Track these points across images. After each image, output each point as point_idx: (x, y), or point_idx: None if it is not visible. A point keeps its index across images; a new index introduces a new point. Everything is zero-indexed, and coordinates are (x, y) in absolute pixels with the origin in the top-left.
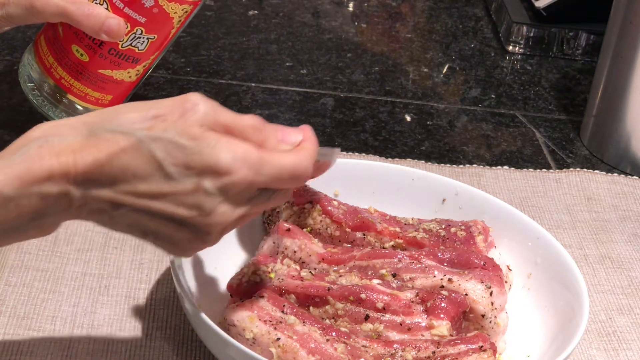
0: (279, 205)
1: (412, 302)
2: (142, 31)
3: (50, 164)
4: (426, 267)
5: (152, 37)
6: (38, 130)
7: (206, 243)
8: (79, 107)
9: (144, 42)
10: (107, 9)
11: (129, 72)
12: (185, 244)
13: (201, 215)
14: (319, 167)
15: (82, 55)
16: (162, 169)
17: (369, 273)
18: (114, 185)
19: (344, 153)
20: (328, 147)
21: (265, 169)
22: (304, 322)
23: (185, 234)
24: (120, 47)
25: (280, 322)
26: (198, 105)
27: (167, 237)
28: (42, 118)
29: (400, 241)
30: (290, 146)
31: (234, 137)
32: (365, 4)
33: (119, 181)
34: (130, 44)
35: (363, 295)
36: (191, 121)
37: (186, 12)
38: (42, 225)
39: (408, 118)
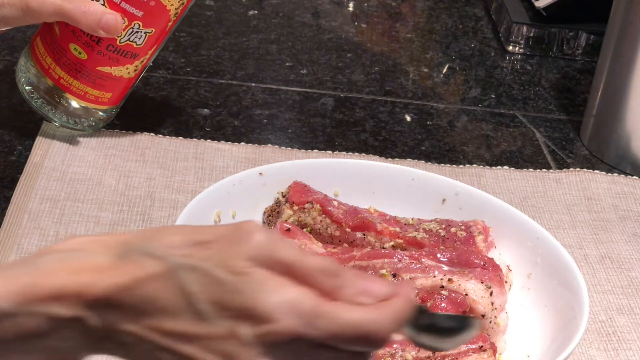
0: None
1: None
2: (139, 25)
3: (62, 282)
4: (426, 267)
5: (150, 31)
6: (65, 243)
7: None
8: (78, 106)
9: (141, 36)
10: (103, 4)
11: (127, 68)
12: None
13: None
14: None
15: (80, 53)
16: (193, 305)
17: (369, 273)
18: (137, 318)
19: (344, 153)
20: (462, 316)
21: (321, 322)
22: None
23: None
24: (118, 42)
25: None
26: (252, 235)
27: None
28: (42, 119)
29: (400, 241)
30: (373, 300)
31: (291, 280)
32: (365, 4)
33: (143, 313)
34: (128, 39)
35: None
36: (238, 252)
37: (182, 4)
38: (57, 352)
39: (408, 118)
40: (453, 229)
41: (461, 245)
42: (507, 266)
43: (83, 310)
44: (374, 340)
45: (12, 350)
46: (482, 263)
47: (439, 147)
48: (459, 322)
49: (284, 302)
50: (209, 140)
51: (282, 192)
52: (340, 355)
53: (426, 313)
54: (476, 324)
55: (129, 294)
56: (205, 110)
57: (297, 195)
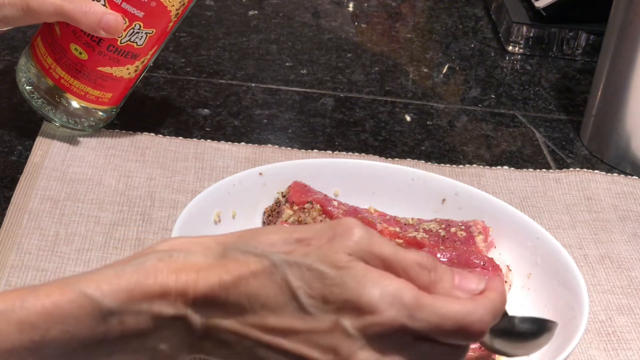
0: None
1: None
2: (140, 26)
3: (166, 280)
4: None
5: (151, 32)
6: (165, 244)
7: None
8: (78, 106)
9: (142, 37)
10: (104, 5)
11: (128, 69)
12: None
13: None
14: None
15: (80, 53)
16: (296, 300)
17: None
18: (239, 315)
19: (344, 153)
20: (540, 319)
21: (422, 314)
22: None
23: None
24: (118, 43)
25: None
26: (351, 231)
27: None
28: (42, 119)
29: (400, 241)
30: (468, 294)
31: (390, 273)
32: (365, 4)
33: (245, 310)
34: (129, 40)
35: None
36: (339, 247)
37: (183, 4)
38: (158, 353)
39: (408, 118)
40: (453, 229)
41: (461, 245)
42: (507, 266)
43: (186, 309)
44: (473, 331)
45: (116, 350)
46: (482, 263)
47: (439, 147)
48: (537, 326)
49: (387, 293)
50: (209, 140)
51: (282, 192)
52: (439, 348)
53: (504, 316)
54: (554, 327)
55: (232, 292)
56: (205, 110)
57: (297, 195)
